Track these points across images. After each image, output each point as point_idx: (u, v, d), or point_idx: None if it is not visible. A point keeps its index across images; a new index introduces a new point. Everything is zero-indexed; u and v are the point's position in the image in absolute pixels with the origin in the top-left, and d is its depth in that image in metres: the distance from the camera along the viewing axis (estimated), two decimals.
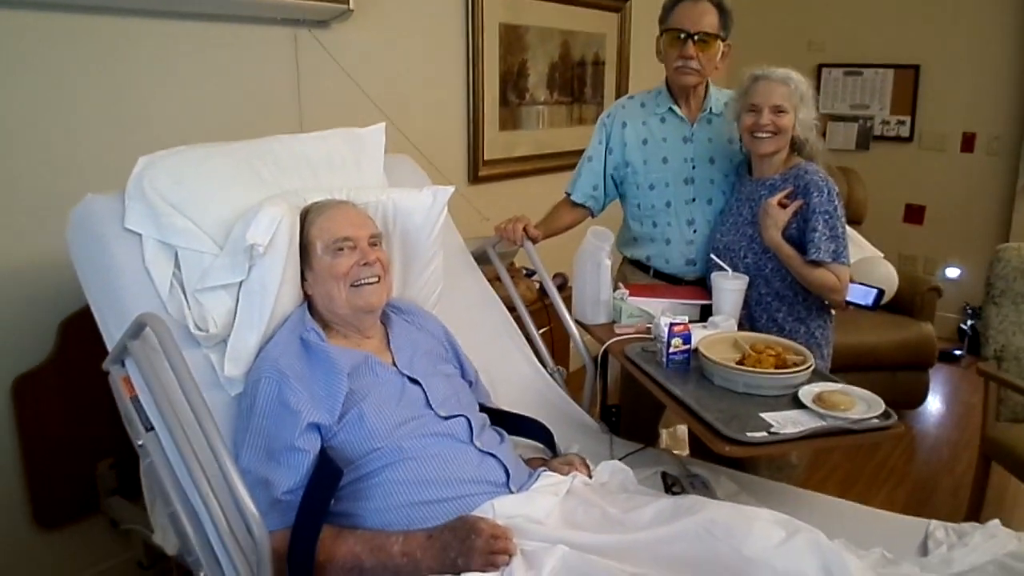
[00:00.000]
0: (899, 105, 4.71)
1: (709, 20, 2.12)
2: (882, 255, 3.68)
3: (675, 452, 2.74)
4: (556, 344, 2.49)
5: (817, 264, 1.94)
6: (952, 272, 4.69)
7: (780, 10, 4.96)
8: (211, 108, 2.34)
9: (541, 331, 2.31)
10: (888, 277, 3.51)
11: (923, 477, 3.18)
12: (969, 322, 4.54)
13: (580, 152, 2.42)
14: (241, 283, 1.54)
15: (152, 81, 2.20)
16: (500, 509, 1.37)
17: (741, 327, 1.99)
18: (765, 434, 1.47)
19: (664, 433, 2.79)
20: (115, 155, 1.99)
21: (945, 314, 4.43)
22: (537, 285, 2.86)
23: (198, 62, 2.30)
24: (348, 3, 2.50)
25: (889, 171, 4.70)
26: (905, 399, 3.62)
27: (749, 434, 1.46)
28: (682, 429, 2.85)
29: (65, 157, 2.04)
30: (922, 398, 3.68)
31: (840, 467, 3.18)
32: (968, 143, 4.57)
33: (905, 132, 4.72)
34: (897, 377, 3.56)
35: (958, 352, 4.49)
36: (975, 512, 2.65)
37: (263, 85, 2.47)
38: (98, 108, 2.10)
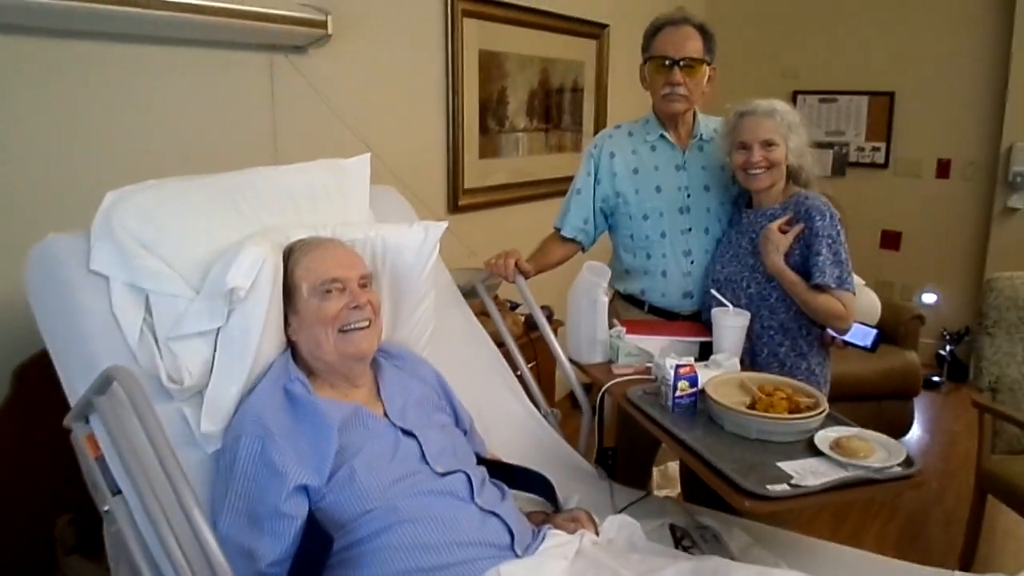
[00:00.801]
0: (874, 131, 4.72)
1: (693, 45, 2.08)
2: (863, 282, 3.65)
3: (669, 494, 2.65)
4: (541, 378, 2.40)
5: (821, 290, 1.88)
6: (929, 298, 4.69)
7: (754, 38, 4.96)
8: (182, 138, 2.22)
9: (528, 366, 2.21)
10: (871, 305, 3.47)
11: (914, 510, 3.11)
12: (948, 348, 4.54)
13: (560, 180, 2.35)
14: (219, 330, 1.42)
15: (119, 110, 2.07)
16: (507, 575, 1.26)
17: (740, 361, 1.91)
18: (786, 487, 1.37)
19: (656, 472, 2.69)
20: (79, 190, 1.85)
21: (923, 340, 4.42)
22: (522, 319, 2.76)
23: (169, 90, 2.18)
24: (326, 28, 2.40)
25: (865, 197, 4.69)
26: (890, 429, 3.54)
27: (770, 487, 1.36)
28: (673, 467, 2.76)
29: (24, 191, 1.90)
30: (907, 427, 3.64)
31: (831, 501, 3.09)
32: (943, 169, 4.58)
33: (880, 158, 4.73)
34: (883, 406, 3.52)
35: (937, 379, 4.48)
36: (971, 547, 2.60)
37: (237, 113, 2.36)
38: (60, 139, 1.96)
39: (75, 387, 1.39)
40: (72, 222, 1.53)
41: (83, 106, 2.00)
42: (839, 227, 1.92)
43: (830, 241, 1.89)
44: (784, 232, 1.92)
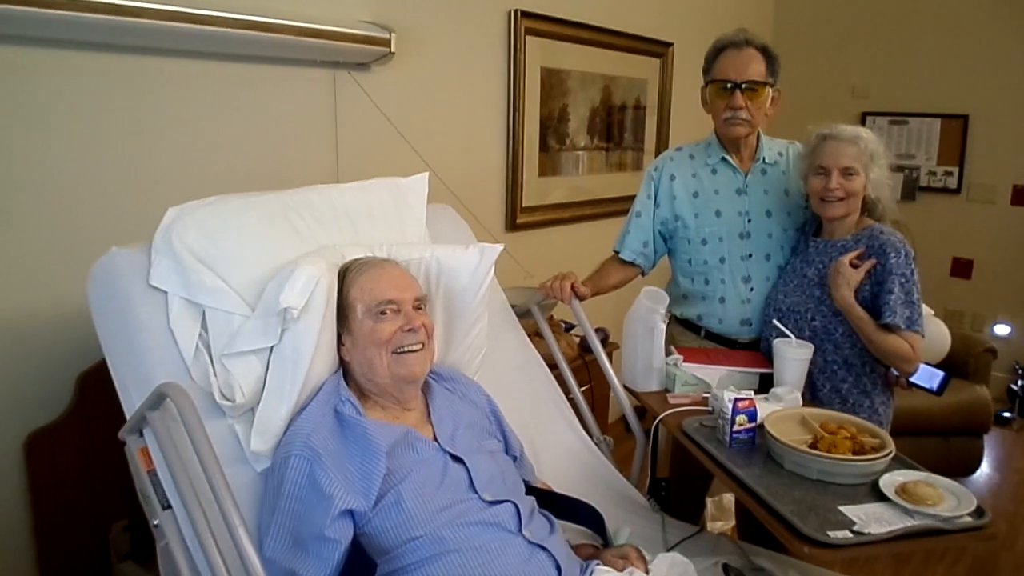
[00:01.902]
0: (947, 155, 4.55)
1: (755, 68, 2.03)
2: (932, 312, 3.51)
3: (723, 527, 2.57)
4: (595, 401, 2.35)
5: (890, 330, 1.80)
6: (1002, 329, 4.49)
7: (822, 57, 4.85)
8: (246, 154, 2.24)
9: (581, 389, 2.17)
10: (940, 336, 3.32)
11: (982, 555, 2.96)
12: (1020, 383, 4.34)
13: (621, 199, 2.31)
14: (272, 348, 1.42)
15: (183, 126, 2.10)
16: None
17: (801, 396, 1.84)
18: (848, 533, 1.31)
19: (709, 503, 2.61)
20: (142, 204, 1.89)
21: (994, 374, 4.23)
22: (576, 340, 2.72)
23: (232, 105, 2.21)
24: (390, 46, 2.41)
25: (936, 223, 4.53)
26: (958, 466, 3.43)
27: (831, 533, 1.30)
28: (728, 498, 2.66)
29: (88, 205, 1.94)
30: (976, 466, 3.49)
31: (894, 551, 2.97)
32: (1019, 196, 4.40)
33: (953, 183, 4.56)
34: (950, 443, 3.39)
35: (1008, 415, 4.28)
36: None
37: (300, 128, 2.38)
38: (124, 154, 2.00)
39: (131, 399, 1.41)
40: (136, 237, 1.54)
41: (147, 122, 2.03)
42: (913, 266, 1.85)
43: (903, 280, 1.82)
44: (856, 267, 1.85)
